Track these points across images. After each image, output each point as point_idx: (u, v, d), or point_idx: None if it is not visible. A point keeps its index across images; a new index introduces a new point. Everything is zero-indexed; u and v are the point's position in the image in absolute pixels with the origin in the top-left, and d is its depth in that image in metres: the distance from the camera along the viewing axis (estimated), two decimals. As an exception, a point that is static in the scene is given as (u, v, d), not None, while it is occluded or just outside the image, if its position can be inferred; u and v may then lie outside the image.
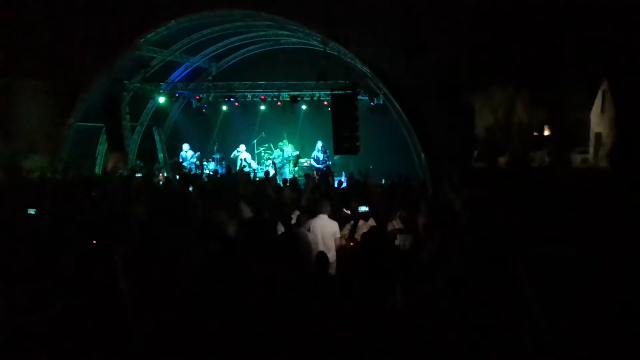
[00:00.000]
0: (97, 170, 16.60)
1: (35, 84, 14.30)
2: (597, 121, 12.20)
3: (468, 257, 4.90)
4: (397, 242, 6.65)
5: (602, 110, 12.03)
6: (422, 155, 13.19)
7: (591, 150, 12.07)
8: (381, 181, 13.07)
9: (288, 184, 11.23)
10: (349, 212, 7.68)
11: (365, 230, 6.60)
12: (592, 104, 12.42)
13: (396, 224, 7.05)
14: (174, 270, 4.91)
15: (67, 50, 14.74)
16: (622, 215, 7.23)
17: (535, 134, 12.48)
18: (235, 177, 12.68)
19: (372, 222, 7.15)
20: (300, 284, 4.90)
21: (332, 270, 6.46)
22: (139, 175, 14.32)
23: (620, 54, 11.15)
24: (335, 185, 11.92)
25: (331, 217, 7.14)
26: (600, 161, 11.42)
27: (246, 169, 15.54)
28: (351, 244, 6.73)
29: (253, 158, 17.59)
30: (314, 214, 7.06)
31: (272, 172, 13.35)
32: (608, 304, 4.19)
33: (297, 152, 16.98)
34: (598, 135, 11.99)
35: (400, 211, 7.17)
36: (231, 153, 17.24)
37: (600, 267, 4.97)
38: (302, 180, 12.84)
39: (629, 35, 10.82)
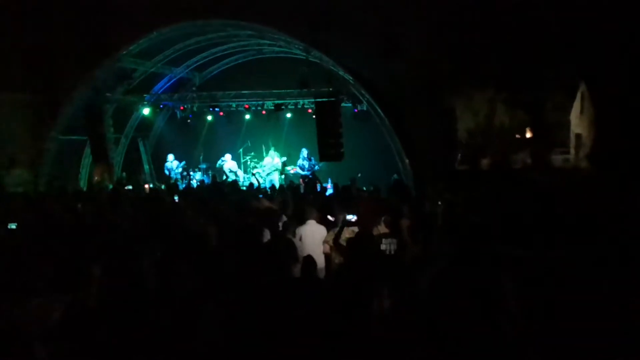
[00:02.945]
0: (82, 183, 16.47)
1: (16, 96, 14.17)
2: (577, 122, 12.42)
3: (450, 259, 4.95)
4: (382, 246, 6.69)
5: (582, 111, 12.26)
6: (406, 160, 13.30)
7: (572, 150, 12.29)
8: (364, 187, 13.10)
9: (276, 192, 11.25)
10: (333, 219, 7.69)
11: (350, 235, 6.62)
12: (572, 105, 12.64)
13: (381, 228, 7.08)
14: (158, 279, 4.90)
15: (48, 63, 14.66)
16: (603, 215, 7.35)
17: (517, 136, 12.66)
18: (221, 187, 12.67)
19: (357, 227, 7.16)
20: (287, 289, 4.91)
21: (321, 275, 6.46)
22: (129, 187, 14.24)
23: (597, 55, 11.37)
24: (319, 191, 11.94)
25: (319, 223, 7.15)
26: (580, 161, 11.62)
27: (231, 179, 15.50)
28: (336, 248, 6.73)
29: (239, 167, 17.57)
30: (302, 221, 7.06)
31: (255, 183, 13.36)
32: (587, 304, 4.26)
33: (284, 158, 17.01)
34: (578, 136, 12.22)
35: (385, 216, 7.20)
36: (217, 163, 17.22)
37: (581, 266, 5.05)
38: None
39: (606, 36, 11.05)
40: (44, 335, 3.80)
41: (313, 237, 6.87)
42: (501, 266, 4.35)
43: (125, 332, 4.06)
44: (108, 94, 15.60)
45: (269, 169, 16.94)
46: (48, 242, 5.78)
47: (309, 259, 5.45)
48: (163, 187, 14.89)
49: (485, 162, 12.16)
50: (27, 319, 3.85)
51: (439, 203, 7.70)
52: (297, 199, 9.25)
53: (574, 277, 4.79)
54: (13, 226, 6.83)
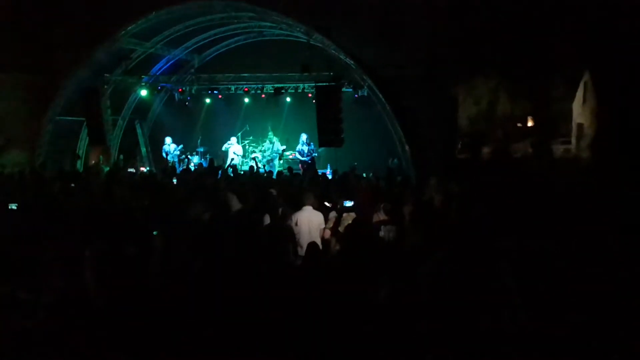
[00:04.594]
0: (79, 165, 16.36)
1: (13, 76, 14.01)
2: (579, 112, 12.34)
3: (451, 247, 4.90)
4: (381, 233, 6.65)
5: (584, 101, 12.17)
6: (407, 147, 13.22)
7: (573, 140, 12.23)
8: (363, 174, 13.04)
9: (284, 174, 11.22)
10: (330, 205, 7.64)
11: (349, 222, 6.57)
12: (574, 95, 12.55)
13: (380, 215, 7.03)
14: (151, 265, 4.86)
15: (46, 43, 14.48)
16: (603, 206, 7.32)
17: (518, 125, 12.59)
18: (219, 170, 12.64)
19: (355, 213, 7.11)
20: (283, 276, 4.88)
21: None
22: (132, 170, 14.14)
23: (601, 45, 11.27)
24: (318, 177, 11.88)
25: (316, 208, 7.11)
26: (582, 151, 11.56)
27: (234, 162, 15.37)
28: (334, 235, 6.69)
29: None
30: (299, 206, 7.01)
31: (255, 167, 13.29)
32: (588, 295, 4.24)
33: (283, 147, 16.91)
34: (580, 126, 12.14)
35: (385, 203, 7.15)
36: (216, 146, 17.08)
37: (580, 257, 5.03)
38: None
39: (610, 27, 10.94)
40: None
41: (309, 223, 6.82)
42: (502, 257, 4.31)
43: (121, 316, 4.02)
44: (106, 75, 15.43)
45: (268, 154, 16.84)
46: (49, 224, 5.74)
47: (314, 246, 5.40)
48: (153, 170, 14.77)
49: (486, 150, 12.10)
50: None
51: (439, 191, 7.64)
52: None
53: (575, 268, 4.77)
54: (14, 206, 6.78)
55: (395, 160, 14.43)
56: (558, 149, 12.06)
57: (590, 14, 11.17)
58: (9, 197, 7.63)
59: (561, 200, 7.57)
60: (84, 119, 15.81)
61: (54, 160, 14.69)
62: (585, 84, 12.25)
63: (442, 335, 3.79)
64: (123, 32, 14.32)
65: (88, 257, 4.29)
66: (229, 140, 16.81)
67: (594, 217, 6.59)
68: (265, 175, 12.56)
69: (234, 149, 16.68)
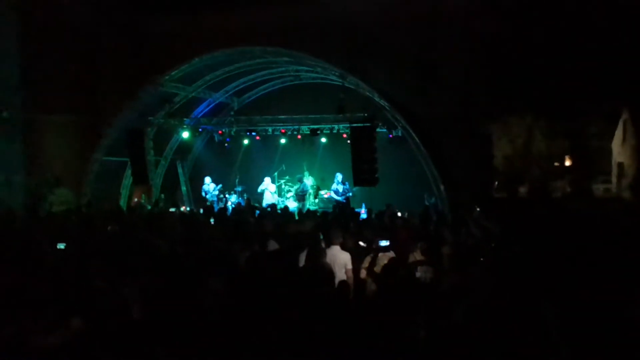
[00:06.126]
0: (122, 204, 16.92)
1: (62, 118, 14.72)
2: (619, 151, 12.11)
3: (489, 289, 4.87)
4: (418, 274, 6.63)
5: (624, 140, 11.97)
6: (441, 186, 13.19)
7: (613, 179, 11.96)
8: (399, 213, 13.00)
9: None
10: (365, 244, 7.67)
11: (385, 261, 6.58)
12: (614, 132, 12.35)
13: (417, 255, 7.01)
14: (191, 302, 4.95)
15: (94, 86, 15.26)
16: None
17: (556, 164, 12.42)
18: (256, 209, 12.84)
19: (391, 253, 7.11)
20: (321, 313, 4.90)
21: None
22: (173, 209, 14.52)
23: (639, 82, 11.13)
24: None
25: (346, 248, 7.14)
26: (623, 191, 11.29)
27: (272, 201, 15.61)
28: (370, 275, 6.70)
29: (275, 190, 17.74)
30: (328, 245, 7.08)
31: (291, 206, 13.47)
32: (630, 337, 4.13)
33: (316, 184, 17.08)
34: (620, 165, 11.90)
35: (421, 243, 7.14)
36: (253, 185, 17.37)
37: (622, 299, 4.90)
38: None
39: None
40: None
41: (332, 262, 6.85)
42: (542, 298, 4.26)
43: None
44: (150, 118, 16.09)
45: (302, 192, 17.02)
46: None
47: (344, 285, 5.44)
48: (194, 209, 15.06)
49: (523, 190, 11.95)
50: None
51: (478, 232, 7.60)
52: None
53: (617, 308, 4.66)
54: (62, 246, 7.02)
55: (433, 198, 14.39)
56: (598, 188, 11.81)
57: (628, 51, 11.11)
58: (57, 236, 7.94)
59: (605, 241, 7.40)
60: (127, 159, 16.47)
61: (99, 199, 15.22)
62: (624, 122, 12.08)
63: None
64: (167, 77, 15.01)
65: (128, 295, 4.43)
66: (263, 181, 17.13)
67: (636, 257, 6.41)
68: (306, 213, 12.69)
69: (269, 189, 16.98)
